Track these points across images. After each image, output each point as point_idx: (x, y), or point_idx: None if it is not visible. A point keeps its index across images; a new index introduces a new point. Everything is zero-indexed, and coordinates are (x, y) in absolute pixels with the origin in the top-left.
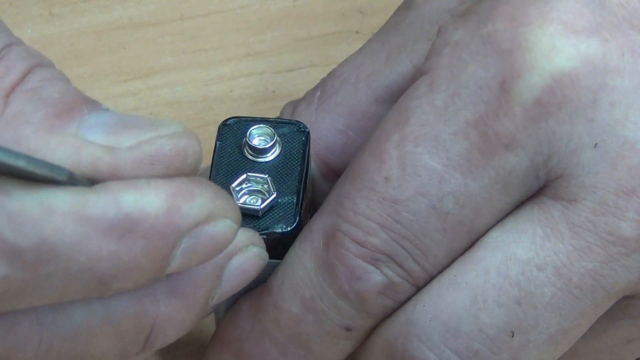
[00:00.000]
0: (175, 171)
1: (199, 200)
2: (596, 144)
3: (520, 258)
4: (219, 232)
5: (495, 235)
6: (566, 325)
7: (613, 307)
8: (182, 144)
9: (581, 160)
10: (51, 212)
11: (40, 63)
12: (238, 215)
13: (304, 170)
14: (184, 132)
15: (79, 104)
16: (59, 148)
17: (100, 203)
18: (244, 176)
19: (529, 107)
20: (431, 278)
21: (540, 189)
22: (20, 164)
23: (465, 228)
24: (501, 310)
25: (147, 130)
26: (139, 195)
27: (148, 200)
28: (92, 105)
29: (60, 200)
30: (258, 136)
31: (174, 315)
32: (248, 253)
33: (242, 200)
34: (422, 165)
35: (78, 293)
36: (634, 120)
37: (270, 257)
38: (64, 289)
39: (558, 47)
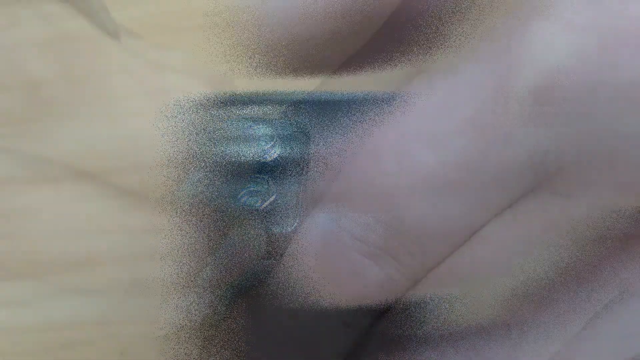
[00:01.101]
0: None
1: None
2: (593, 140)
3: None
4: None
5: (492, 229)
6: None
7: None
8: None
9: (578, 155)
10: None
11: None
12: None
13: (304, 171)
14: None
15: None
16: None
17: None
18: None
19: (526, 103)
20: (428, 272)
21: (538, 184)
22: None
23: (462, 223)
24: None
25: None
26: None
27: None
28: None
29: None
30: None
31: None
32: None
33: (242, 201)
34: (419, 162)
35: None
36: (631, 115)
37: (269, 258)
38: None
39: (556, 43)
